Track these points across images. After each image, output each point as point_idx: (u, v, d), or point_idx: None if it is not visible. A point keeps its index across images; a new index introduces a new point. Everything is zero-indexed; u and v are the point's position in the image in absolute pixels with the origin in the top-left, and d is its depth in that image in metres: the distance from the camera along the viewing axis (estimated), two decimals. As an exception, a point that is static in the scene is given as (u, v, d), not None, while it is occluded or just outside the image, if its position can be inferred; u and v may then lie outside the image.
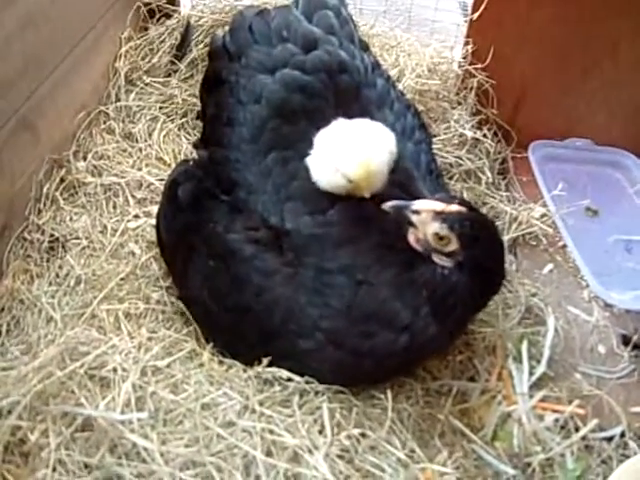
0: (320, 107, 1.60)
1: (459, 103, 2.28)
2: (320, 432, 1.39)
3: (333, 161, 1.46)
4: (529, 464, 1.45)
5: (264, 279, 1.47)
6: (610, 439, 1.54)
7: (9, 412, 1.30)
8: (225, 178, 1.59)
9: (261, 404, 1.40)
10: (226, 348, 1.55)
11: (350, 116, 1.55)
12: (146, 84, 2.25)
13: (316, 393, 1.46)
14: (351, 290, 1.42)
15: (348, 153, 1.46)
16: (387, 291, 1.40)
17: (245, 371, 1.49)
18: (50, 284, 1.70)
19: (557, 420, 1.53)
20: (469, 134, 2.16)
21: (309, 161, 1.51)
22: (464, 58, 2.29)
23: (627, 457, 1.50)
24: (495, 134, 2.26)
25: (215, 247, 1.54)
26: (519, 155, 2.28)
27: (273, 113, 1.59)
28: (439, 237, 1.36)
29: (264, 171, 1.55)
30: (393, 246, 1.43)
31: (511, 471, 1.43)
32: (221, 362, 1.52)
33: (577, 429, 1.53)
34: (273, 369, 1.47)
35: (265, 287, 1.46)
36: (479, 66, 2.24)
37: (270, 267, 1.47)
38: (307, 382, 1.47)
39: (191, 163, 1.73)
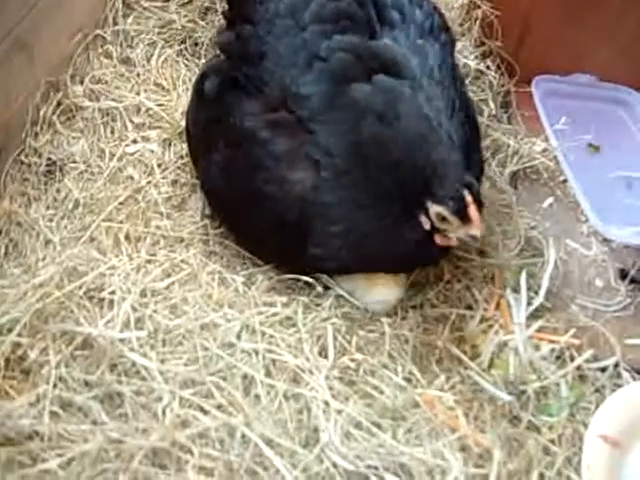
0: None
1: (463, 34, 2.23)
2: (320, 354, 1.41)
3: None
4: (524, 391, 1.47)
5: (276, 164, 1.48)
6: (604, 369, 1.55)
7: (9, 330, 1.31)
8: (252, 51, 1.56)
9: (261, 324, 1.42)
10: (245, 243, 1.61)
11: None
12: (144, 8, 2.20)
13: (321, 310, 1.50)
14: None
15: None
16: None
17: (245, 293, 1.50)
18: (48, 207, 1.69)
19: (553, 350, 1.55)
20: (472, 65, 2.13)
21: None
22: (469, -12, 2.24)
23: (620, 386, 1.52)
24: (498, 67, 2.21)
25: (233, 136, 1.56)
26: (522, 89, 2.23)
27: None
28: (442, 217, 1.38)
29: (299, 44, 1.52)
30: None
31: (506, 397, 1.44)
32: (220, 283, 1.52)
33: (572, 359, 1.54)
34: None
35: (277, 173, 1.47)
36: (484, -4, 2.19)
37: (284, 151, 1.47)
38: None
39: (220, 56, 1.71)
